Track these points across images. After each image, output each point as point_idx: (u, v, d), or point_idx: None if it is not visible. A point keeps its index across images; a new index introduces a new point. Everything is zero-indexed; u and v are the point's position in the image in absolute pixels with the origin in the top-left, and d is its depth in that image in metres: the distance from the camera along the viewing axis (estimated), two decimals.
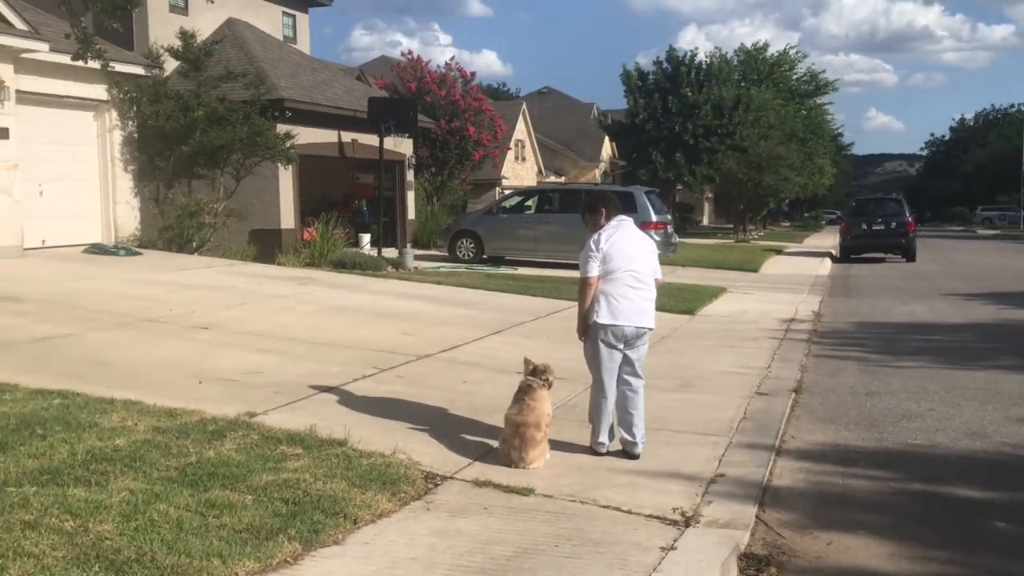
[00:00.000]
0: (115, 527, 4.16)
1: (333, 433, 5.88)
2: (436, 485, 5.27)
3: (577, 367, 8.98)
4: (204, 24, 20.15)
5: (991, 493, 5.63)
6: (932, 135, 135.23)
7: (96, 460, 5.03)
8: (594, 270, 6.07)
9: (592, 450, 6.16)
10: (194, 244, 16.58)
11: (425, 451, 5.83)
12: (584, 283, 6.12)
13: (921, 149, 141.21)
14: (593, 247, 6.14)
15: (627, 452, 6.09)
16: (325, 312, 11.46)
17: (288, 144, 17.46)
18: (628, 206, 20.80)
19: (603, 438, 6.15)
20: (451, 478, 5.41)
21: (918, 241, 29.12)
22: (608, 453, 6.09)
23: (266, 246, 18.36)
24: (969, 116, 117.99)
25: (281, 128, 17.80)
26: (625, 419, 6.11)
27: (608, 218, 6.31)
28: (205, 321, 9.89)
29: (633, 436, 6.08)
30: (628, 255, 6.11)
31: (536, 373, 5.99)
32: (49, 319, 9.39)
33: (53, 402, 6.18)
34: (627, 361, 6.12)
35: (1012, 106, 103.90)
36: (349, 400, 7.06)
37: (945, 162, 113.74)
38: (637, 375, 6.15)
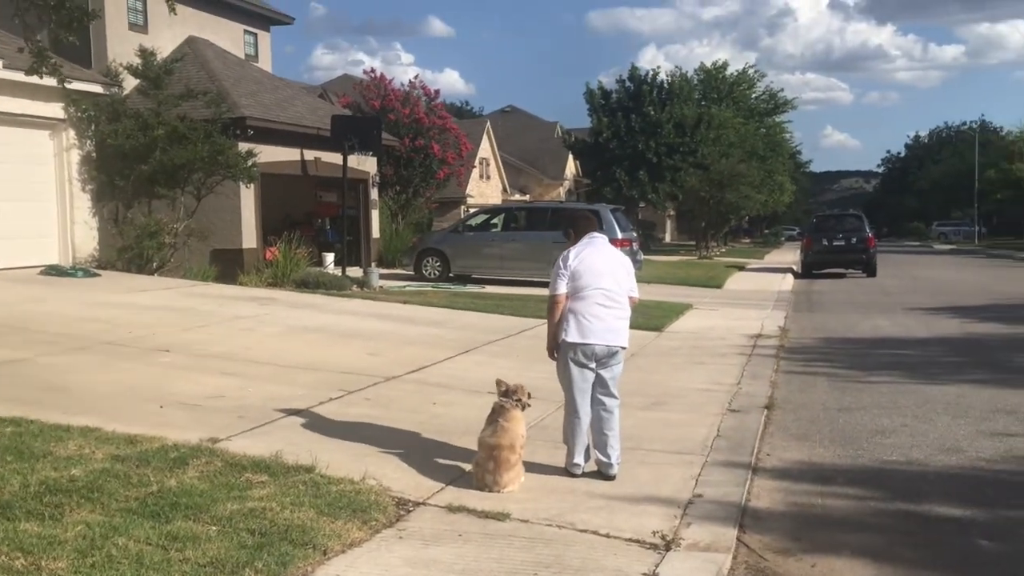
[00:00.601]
0: (70, 564, 3.94)
1: (300, 459, 5.68)
2: (408, 511, 5.10)
3: (549, 386, 8.84)
4: (164, 42, 19.89)
5: (971, 510, 5.57)
6: (888, 152, 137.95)
7: (50, 492, 4.79)
8: (562, 288, 5.98)
9: (568, 471, 6.01)
10: (154, 265, 16.25)
11: (396, 476, 5.65)
12: (552, 301, 6.04)
13: (877, 166, 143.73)
14: (562, 264, 6.04)
15: (603, 473, 5.96)
16: (289, 333, 11.23)
17: (250, 162, 17.23)
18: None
19: (578, 459, 6.00)
20: (424, 504, 5.24)
21: (878, 256, 29.44)
22: (584, 474, 5.95)
23: (228, 266, 18.08)
24: (923, 134, 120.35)
25: (243, 146, 17.58)
26: (600, 440, 5.99)
27: (579, 236, 6.23)
28: (166, 343, 9.62)
29: (608, 457, 5.94)
30: (598, 272, 5.99)
31: (509, 394, 5.83)
32: (3, 343, 9.08)
33: (5, 430, 5.91)
34: (600, 381, 5.98)
35: (964, 124, 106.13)
36: (316, 424, 6.86)
37: (901, 179, 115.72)
38: (611, 395, 6.01)
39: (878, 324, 15.48)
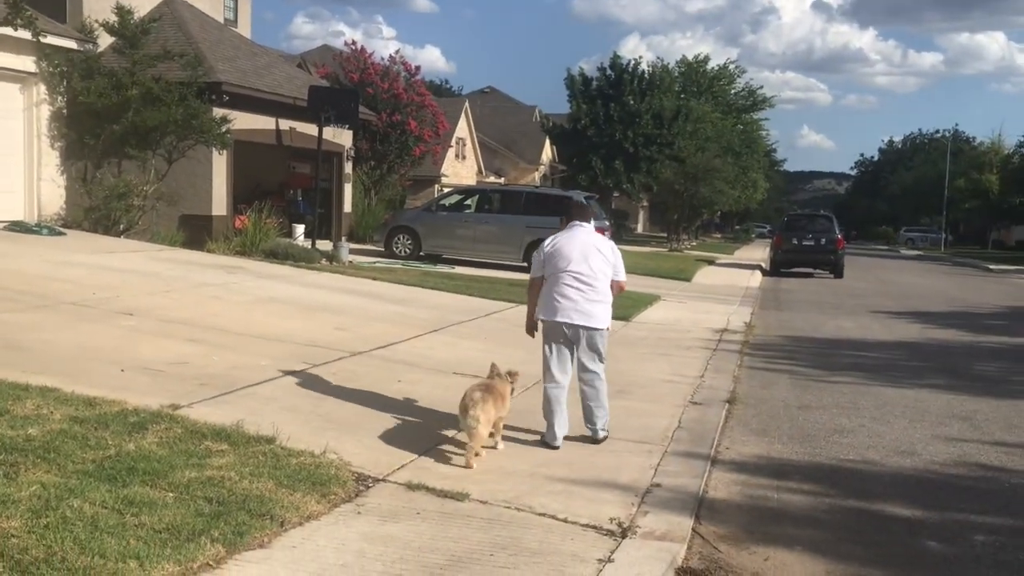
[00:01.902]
0: (23, 524, 3.90)
1: (261, 429, 5.65)
2: (368, 487, 5.09)
3: (513, 369, 8.89)
4: (142, 1, 19.54)
5: (922, 511, 5.66)
6: (862, 155, 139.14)
7: (6, 450, 4.72)
8: (536, 271, 6.54)
9: (546, 443, 6.33)
10: (121, 227, 16.04)
11: (357, 451, 5.64)
12: (529, 283, 6.71)
13: (851, 168, 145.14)
14: (540, 250, 6.55)
15: (592, 439, 6.49)
16: (255, 303, 11.15)
17: (224, 129, 17.02)
18: (567, 211, 20.85)
19: (557, 430, 6.32)
20: (383, 480, 5.24)
21: (846, 258, 29.74)
22: (556, 449, 6.28)
23: (196, 232, 17.87)
24: (898, 139, 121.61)
25: (217, 112, 17.35)
26: (585, 411, 6.50)
27: (567, 223, 6.64)
28: (130, 307, 9.51)
29: (593, 425, 6.49)
30: (570, 258, 6.33)
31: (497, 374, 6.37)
32: None
33: None
34: (578, 358, 6.41)
35: (938, 132, 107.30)
36: (278, 396, 6.83)
37: (873, 182, 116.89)
38: (588, 370, 6.41)
39: (842, 325, 15.66)
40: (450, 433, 6.35)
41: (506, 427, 6.33)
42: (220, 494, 4.52)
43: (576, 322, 6.29)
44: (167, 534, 4.01)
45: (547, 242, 6.51)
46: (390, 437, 6.10)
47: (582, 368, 6.42)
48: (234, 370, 7.43)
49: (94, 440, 5.07)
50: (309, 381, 7.41)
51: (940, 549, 5.07)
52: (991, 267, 41.44)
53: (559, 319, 6.30)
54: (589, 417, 6.48)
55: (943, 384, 10.20)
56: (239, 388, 6.88)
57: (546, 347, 6.43)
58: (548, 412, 6.36)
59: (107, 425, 5.35)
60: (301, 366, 7.85)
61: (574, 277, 6.29)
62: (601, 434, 6.47)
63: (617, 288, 6.57)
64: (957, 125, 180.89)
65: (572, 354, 6.39)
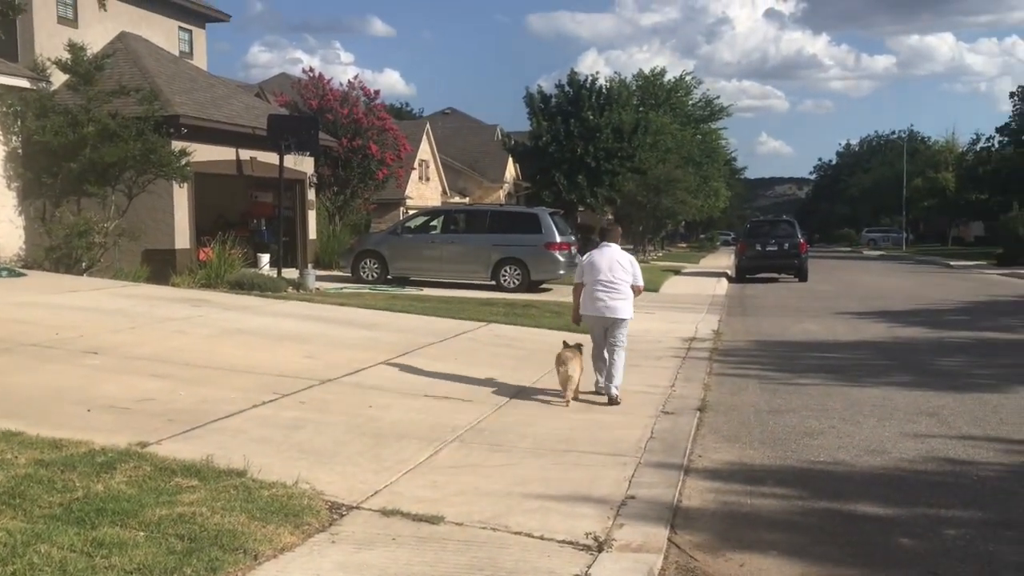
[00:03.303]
0: None
1: (232, 463, 5.60)
2: (342, 516, 5.06)
3: (485, 388, 8.91)
4: (95, 37, 19.46)
5: (893, 509, 5.73)
6: (820, 160, 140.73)
7: None
8: (578, 278, 9.12)
9: (597, 390, 8.87)
10: (83, 265, 15.86)
11: (330, 480, 5.61)
12: (574, 287, 9.30)
13: (810, 173, 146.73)
14: (580, 263, 9.34)
15: (609, 399, 8.63)
16: (222, 335, 11.05)
17: (183, 161, 16.93)
18: (533, 227, 20.96)
19: (600, 379, 8.88)
20: (357, 508, 5.21)
21: (810, 262, 30.07)
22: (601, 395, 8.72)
23: (160, 267, 17.73)
24: (854, 142, 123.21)
25: (176, 145, 17.26)
26: (608, 373, 8.78)
27: (599, 243, 9.16)
28: (94, 345, 9.39)
29: (609, 383, 8.69)
30: (597, 269, 8.82)
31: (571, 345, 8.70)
32: None
33: None
34: (609, 340, 8.81)
35: (893, 133, 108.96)
36: (248, 428, 6.77)
37: (832, 186, 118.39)
38: (614, 347, 8.76)
39: (808, 328, 15.82)
40: (424, 456, 6.34)
41: (484, 444, 6.32)
42: (192, 531, 4.47)
43: (606, 315, 8.77)
44: (139, 574, 3.96)
45: (585, 257, 9.24)
46: (363, 464, 6.07)
47: (610, 345, 8.80)
48: (202, 404, 7.36)
49: (61, 483, 5.00)
50: (279, 411, 7.36)
51: (912, 545, 5.13)
52: (952, 264, 42.10)
53: (590, 312, 8.87)
54: (610, 378, 8.72)
55: (909, 381, 10.34)
56: (208, 422, 6.81)
57: (590, 332, 9.10)
58: (595, 367, 9.00)
59: (74, 467, 5.28)
60: (270, 397, 7.80)
61: (603, 284, 8.76)
62: (614, 391, 8.64)
63: (636, 290, 8.95)
64: (912, 126, 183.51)
65: (605, 335, 8.84)
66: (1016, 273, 32.86)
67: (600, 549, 4.75)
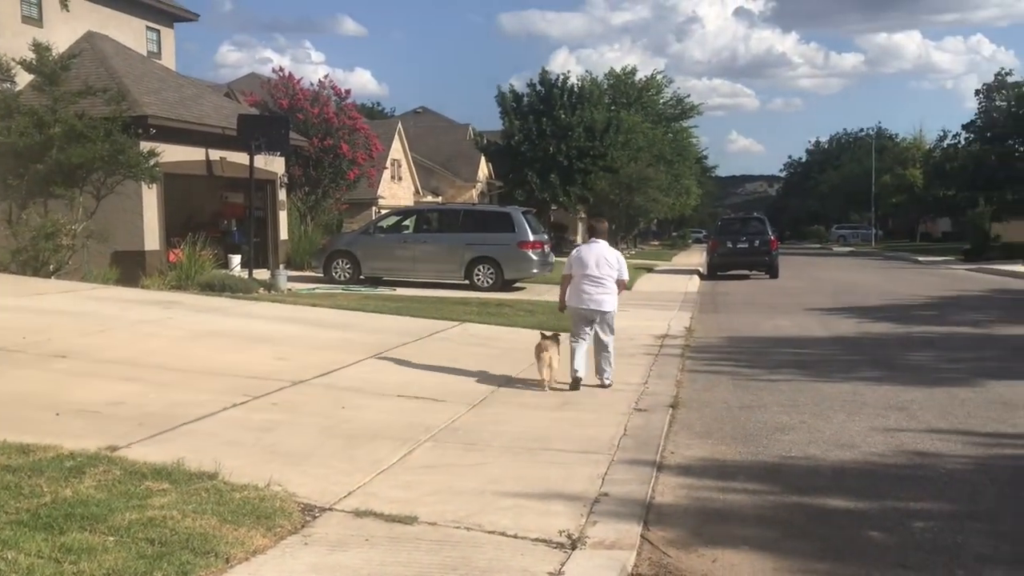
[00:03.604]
0: None
1: (203, 466, 5.57)
2: (314, 517, 5.04)
3: (459, 388, 8.91)
4: (60, 37, 19.22)
5: (863, 503, 5.79)
6: (790, 157, 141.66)
7: None
8: (567, 271, 9.52)
9: (575, 380, 9.10)
10: (51, 267, 15.67)
11: (303, 482, 5.58)
12: (562, 278, 9.63)
13: (780, 171, 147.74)
14: (570, 256, 9.72)
15: (601, 385, 9.25)
16: (193, 337, 10.97)
17: (152, 162, 16.76)
18: (505, 226, 20.96)
19: (577, 365, 9.14)
20: (330, 509, 5.19)
21: (780, 259, 30.31)
22: (582, 382, 9.12)
23: (129, 269, 17.56)
24: (824, 139, 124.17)
25: (145, 146, 17.09)
26: (597, 367, 9.37)
27: (589, 237, 9.79)
28: (62, 349, 9.29)
29: (601, 374, 9.35)
30: (584, 264, 9.31)
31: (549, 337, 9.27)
32: None
33: None
34: (596, 332, 9.29)
35: (862, 130, 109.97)
36: (220, 430, 6.73)
37: (802, 183, 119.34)
38: (602, 340, 9.31)
39: (779, 324, 15.95)
40: (398, 456, 6.33)
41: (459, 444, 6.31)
42: (162, 534, 4.43)
43: (592, 308, 9.22)
44: None
45: (574, 250, 9.72)
46: (336, 465, 6.05)
47: (598, 338, 9.30)
48: (173, 407, 7.30)
49: (28, 488, 4.95)
50: (251, 414, 7.32)
51: (881, 538, 5.18)
52: (920, 259, 42.62)
53: (580, 306, 9.29)
54: (600, 370, 9.33)
55: (879, 376, 10.45)
56: (179, 425, 6.76)
57: (572, 322, 9.45)
58: (573, 358, 9.20)
59: (42, 472, 5.22)
60: (242, 399, 7.75)
61: (587, 278, 9.24)
62: (608, 381, 9.29)
63: (620, 285, 9.47)
64: (880, 123, 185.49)
65: (589, 326, 9.26)
66: (983, 268, 33.32)
67: (574, 547, 4.76)
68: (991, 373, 10.41)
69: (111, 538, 4.37)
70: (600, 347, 9.32)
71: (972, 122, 54.09)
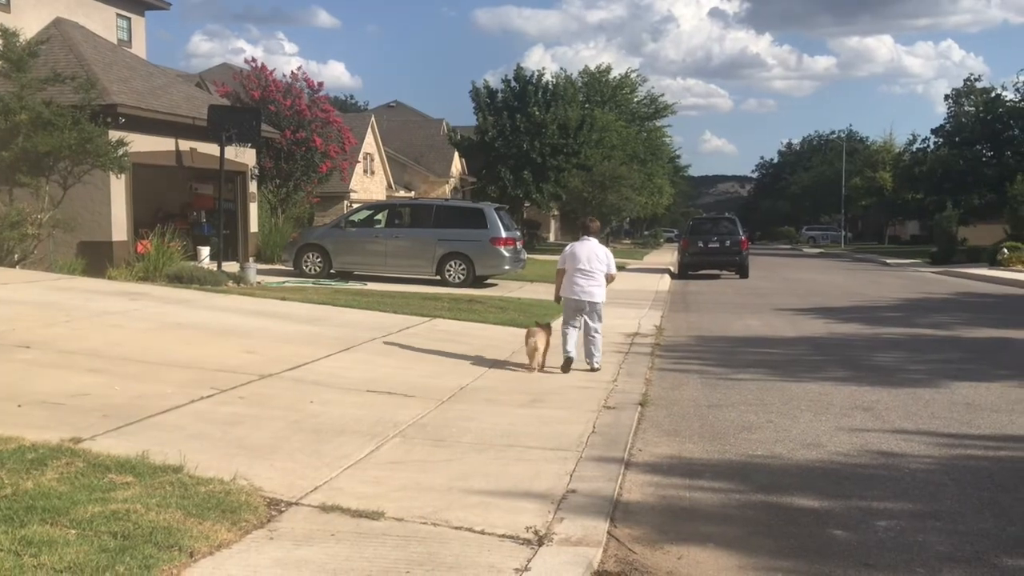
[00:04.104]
0: None
1: (168, 459, 5.51)
2: (280, 512, 5.01)
3: (428, 384, 8.89)
4: (28, 23, 18.95)
5: (828, 502, 5.84)
6: (762, 158, 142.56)
7: None
8: (560, 265, 10.52)
9: (567, 361, 10.07)
10: (15, 257, 15.45)
11: (269, 476, 5.54)
12: (557, 272, 10.67)
13: (752, 171, 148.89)
14: (564, 251, 10.62)
15: (591, 368, 10.20)
16: (160, 329, 10.86)
17: (121, 152, 16.58)
18: (478, 222, 20.95)
19: (569, 348, 10.14)
20: (296, 504, 5.16)
21: (751, 259, 30.53)
22: (572, 366, 10.11)
23: (96, 259, 17.38)
24: (796, 141, 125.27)
25: (113, 135, 16.90)
26: (587, 350, 10.29)
27: (581, 235, 10.66)
28: (26, 339, 9.16)
29: (591, 359, 10.29)
30: (577, 259, 10.30)
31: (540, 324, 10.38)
32: None
33: None
34: (586, 321, 10.29)
35: (833, 133, 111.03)
36: (186, 423, 6.66)
37: (773, 184, 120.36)
38: (591, 327, 10.29)
39: (749, 324, 16.06)
40: (365, 451, 6.30)
41: (427, 440, 6.29)
42: (125, 528, 4.38)
43: (583, 299, 10.23)
44: (69, 573, 3.87)
45: (568, 247, 10.61)
46: (303, 459, 6.01)
47: (587, 326, 10.28)
48: (139, 399, 7.22)
49: None
50: (217, 407, 7.25)
51: (845, 537, 5.23)
52: (888, 261, 43.11)
53: (573, 297, 10.27)
54: (590, 355, 10.27)
55: (846, 376, 10.56)
56: (144, 417, 6.69)
57: (565, 310, 10.40)
58: (564, 342, 10.20)
59: (2, 463, 5.14)
60: (209, 392, 7.68)
61: (580, 272, 10.25)
62: (597, 365, 10.28)
63: (609, 277, 10.47)
64: (851, 126, 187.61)
65: (580, 314, 10.25)
66: (949, 271, 33.75)
67: (540, 543, 4.77)
68: (955, 375, 10.55)
69: (73, 531, 4.31)
70: (589, 333, 10.26)
71: (941, 127, 54.79)
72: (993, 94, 52.41)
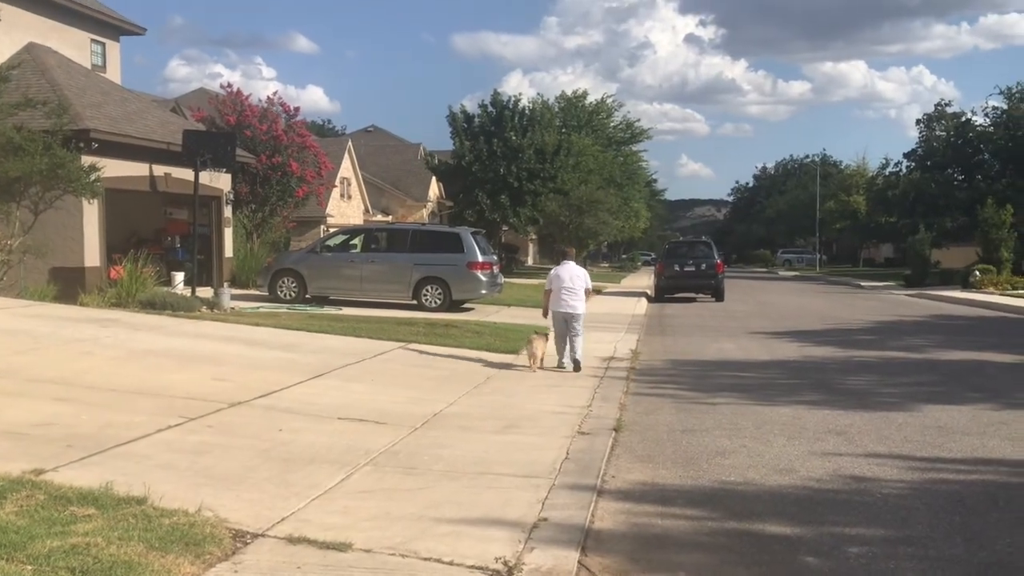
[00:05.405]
0: None
1: (132, 490, 5.42)
2: (246, 544, 4.92)
3: (401, 410, 8.83)
4: (0, 48, 18.80)
5: (800, 528, 5.81)
6: (738, 182, 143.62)
7: None
8: (548, 286, 12.89)
9: (559, 366, 12.43)
10: None
11: (236, 507, 5.45)
12: (544, 292, 13.13)
13: (728, 195, 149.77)
14: (550, 274, 12.99)
15: (574, 369, 12.23)
16: (130, 357, 10.74)
17: (93, 177, 16.43)
18: (455, 247, 20.92)
19: (564, 360, 12.46)
20: (263, 535, 5.07)
21: (726, 282, 30.67)
22: (564, 368, 12.35)
23: (68, 285, 17.18)
24: (771, 165, 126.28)
25: (86, 160, 16.77)
26: (571, 351, 12.42)
27: (561, 260, 13.23)
28: None
29: (573, 356, 12.37)
30: (561, 280, 12.63)
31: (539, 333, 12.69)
32: None
33: None
34: (570, 326, 12.44)
35: (807, 157, 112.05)
36: (152, 453, 6.56)
37: (749, 208, 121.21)
38: (575, 331, 12.45)
39: (723, 347, 16.10)
40: (335, 480, 6.22)
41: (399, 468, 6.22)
42: (84, 563, 4.28)
43: (569, 311, 12.45)
44: None
45: (552, 271, 13.01)
46: (271, 489, 5.92)
47: (572, 331, 12.43)
48: (105, 429, 7.12)
49: None
50: (185, 436, 7.16)
51: (817, 564, 5.20)
52: (862, 284, 43.45)
53: (561, 310, 12.50)
54: (573, 354, 12.38)
55: (819, 400, 10.58)
56: (110, 447, 6.59)
57: (554, 322, 12.68)
58: (558, 351, 12.59)
59: None
60: (177, 420, 7.58)
61: (564, 289, 12.55)
62: (580, 364, 12.30)
63: (588, 293, 12.83)
64: (825, 150, 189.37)
65: (566, 324, 12.43)
66: (923, 294, 34.05)
67: (510, 574, 4.71)
68: (927, 398, 10.60)
69: (29, 567, 4.21)
70: (573, 339, 12.43)
71: (913, 151, 55.51)
72: (963, 119, 53.23)
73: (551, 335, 12.77)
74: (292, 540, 4.99)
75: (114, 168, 18.25)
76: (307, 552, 4.84)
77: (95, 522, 4.86)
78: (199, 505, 5.30)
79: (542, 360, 12.27)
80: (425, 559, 4.85)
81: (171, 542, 4.67)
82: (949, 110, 54.16)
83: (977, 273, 35.11)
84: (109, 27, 24.09)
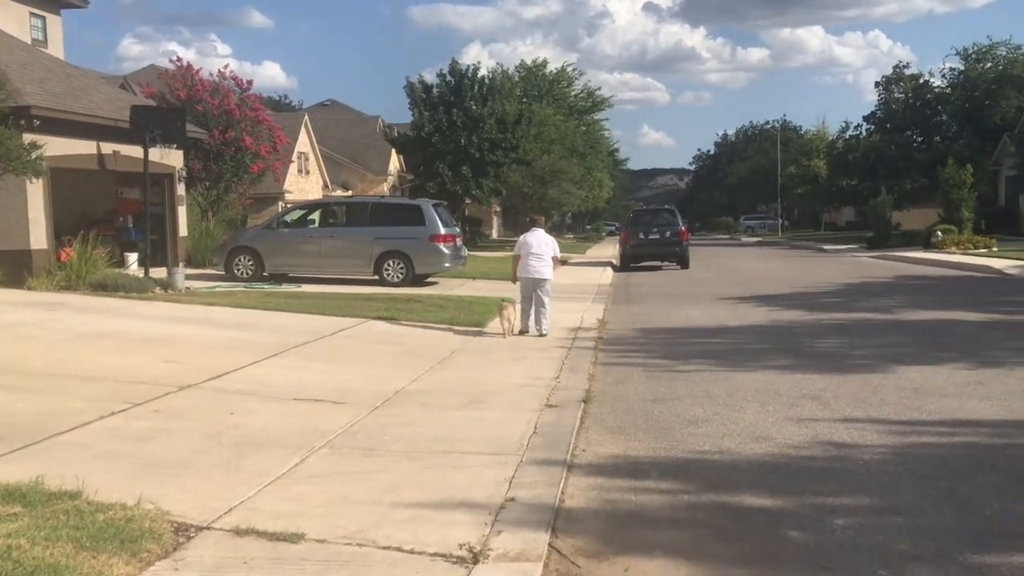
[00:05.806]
0: None
1: (65, 484, 5.00)
2: (189, 538, 4.54)
3: (360, 389, 8.45)
4: None
5: (781, 500, 5.52)
6: (699, 150, 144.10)
7: None
8: (516, 251, 13.13)
9: (523, 331, 12.60)
10: None
11: (180, 498, 5.06)
12: (513, 257, 13.30)
13: (690, 164, 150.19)
14: (518, 241, 13.39)
15: (540, 335, 12.45)
16: (75, 340, 10.24)
17: (34, 155, 15.69)
18: (416, 219, 20.47)
19: (529, 323, 12.66)
20: (208, 528, 4.69)
21: (691, 249, 30.51)
22: (526, 334, 12.58)
23: (14, 269, 16.51)
24: (732, 132, 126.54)
25: (27, 138, 16.03)
26: (536, 321, 12.64)
27: (531, 227, 13.45)
28: None
29: (540, 326, 12.60)
30: (528, 246, 12.87)
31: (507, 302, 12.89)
32: None
33: None
34: (536, 292, 12.59)
35: (767, 123, 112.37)
36: (92, 442, 6.14)
37: (711, 175, 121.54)
38: (541, 300, 12.58)
39: (691, 314, 15.86)
40: (289, 465, 5.85)
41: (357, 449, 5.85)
42: (3, 568, 3.88)
43: (536, 276, 12.65)
44: None
45: (521, 237, 13.33)
46: (219, 477, 5.54)
47: (538, 299, 12.58)
48: (43, 417, 6.68)
49: None
50: (129, 422, 6.74)
51: (802, 538, 4.92)
52: (825, 248, 43.57)
53: (528, 276, 12.71)
54: (538, 323, 12.61)
55: (791, 364, 10.34)
56: (46, 437, 6.15)
57: (521, 289, 12.87)
58: (522, 317, 12.71)
59: None
60: (122, 406, 7.15)
61: (532, 255, 12.73)
62: (545, 331, 12.51)
63: (555, 261, 13.05)
64: (785, 116, 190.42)
65: (534, 291, 12.58)
66: (886, 255, 34.15)
67: (475, 560, 4.38)
68: (900, 358, 10.41)
69: None
70: (539, 305, 12.60)
71: (872, 114, 55.66)
72: (921, 80, 53.40)
73: (518, 302, 12.90)
74: (239, 532, 4.62)
75: (59, 146, 17.51)
76: (255, 545, 4.47)
77: (20, 521, 4.45)
78: (139, 497, 4.90)
79: (515, 327, 12.53)
80: (383, 547, 4.50)
81: (104, 540, 4.28)
82: (907, 72, 54.31)
83: (939, 233, 35.26)
84: (48, 0, 23.15)
